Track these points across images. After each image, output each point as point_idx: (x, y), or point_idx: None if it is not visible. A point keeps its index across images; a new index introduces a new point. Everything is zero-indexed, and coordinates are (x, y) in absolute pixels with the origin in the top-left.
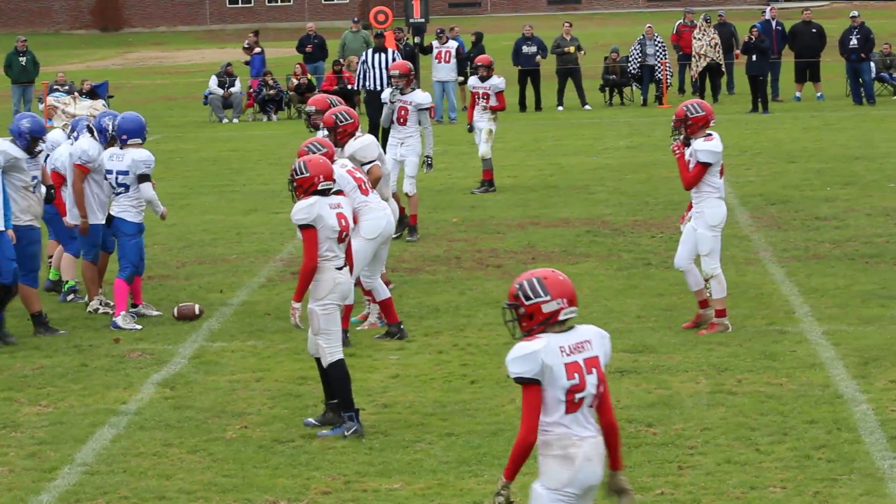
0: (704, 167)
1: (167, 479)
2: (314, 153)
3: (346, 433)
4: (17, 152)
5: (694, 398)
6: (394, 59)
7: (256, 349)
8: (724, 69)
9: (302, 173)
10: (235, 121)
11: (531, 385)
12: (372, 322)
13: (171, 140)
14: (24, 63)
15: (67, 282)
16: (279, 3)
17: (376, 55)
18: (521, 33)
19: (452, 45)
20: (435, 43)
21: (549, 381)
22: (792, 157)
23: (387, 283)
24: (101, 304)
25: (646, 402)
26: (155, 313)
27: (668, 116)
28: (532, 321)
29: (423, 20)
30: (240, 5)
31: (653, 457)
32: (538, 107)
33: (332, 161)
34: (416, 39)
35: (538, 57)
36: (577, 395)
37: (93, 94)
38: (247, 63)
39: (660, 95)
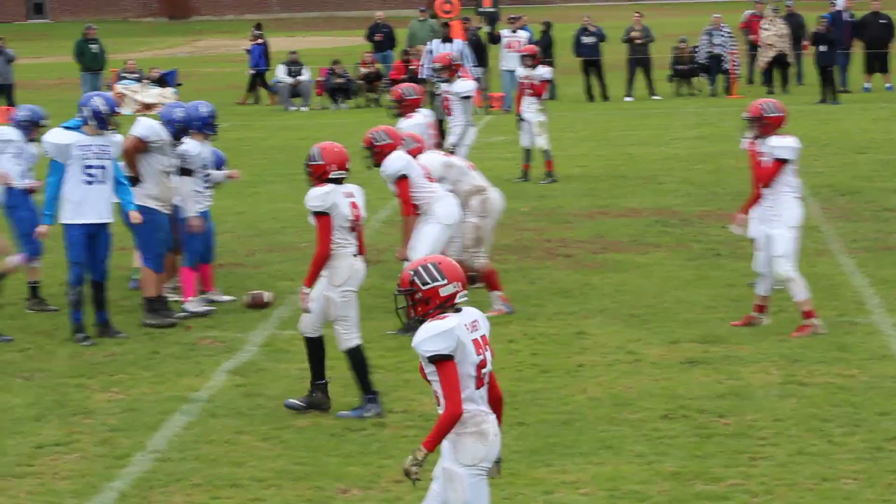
0: (781, 164)
1: (239, 466)
2: (378, 142)
3: (365, 414)
4: (167, 135)
5: (765, 389)
6: (459, 50)
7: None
8: (792, 60)
9: (315, 160)
10: (304, 109)
11: (446, 361)
12: (498, 308)
13: (239, 128)
14: (94, 51)
15: (136, 269)
16: None
17: (444, 44)
18: (581, 23)
19: (522, 34)
20: (505, 32)
21: (461, 357)
22: (861, 148)
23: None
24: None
25: (717, 393)
26: (226, 298)
27: (737, 107)
28: (428, 305)
29: (493, 9)
30: None
31: (724, 448)
32: (605, 97)
33: (420, 152)
34: (488, 28)
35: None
36: (483, 371)
37: (161, 81)
38: (247, 51)
39: (728, 86)
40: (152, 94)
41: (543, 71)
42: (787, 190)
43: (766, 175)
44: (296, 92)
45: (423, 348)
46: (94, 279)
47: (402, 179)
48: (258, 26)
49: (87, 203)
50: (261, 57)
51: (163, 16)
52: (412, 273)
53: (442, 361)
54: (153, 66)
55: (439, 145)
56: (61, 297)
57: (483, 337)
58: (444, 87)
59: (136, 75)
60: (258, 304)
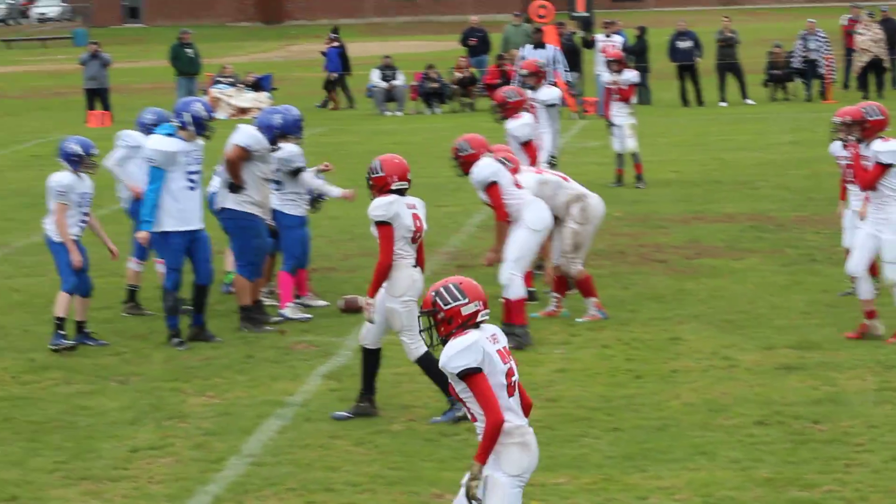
0: (884, 168)
1: (334, 470)
2: (462, 152)
3: (458, 414)
4: (266, 143)
5: (861, 395)
6: (551, 55)
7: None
8: (888, 64)
9: (377, 173)
10: (399, 114)
11: (476, 374)
12: (592, 314)
13: (334, 133)
14: (189, 55)
15: (229, 273)
16: None
17: (536, 50)
18: (675, 28)
19: (617, 39)
20: (599, 37)
21: (490, 369)
22: None
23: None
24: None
25: (812, 399)
26: (321, 303)
27: (832, 112)
28: (451, 325)
29: (587, 14)
30: None
31: (820, 454)
32: (700, 102)
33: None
34: (580, 33)
35: (696, 58)
36: (512, 379)
37: (256, 86)
38: (323, 54)
39: (823, 91)
40: (247, 98)
41: (630, 75)
42: (892, 194)
43: (868, 179)
44: (390, 96)
45: (451, 366)
46: (198, 282)
47: (493, 186)
48: (335, 30)
49: (188, 209)
50: (338, 60)
51: (257, 20)
52: (434, 294)
53: (472, 375)
54: (248, 71)
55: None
56: (157, 301)
57: (505, 348)
58: (529, 94)
59: (230, 80)
60: (353, 309)
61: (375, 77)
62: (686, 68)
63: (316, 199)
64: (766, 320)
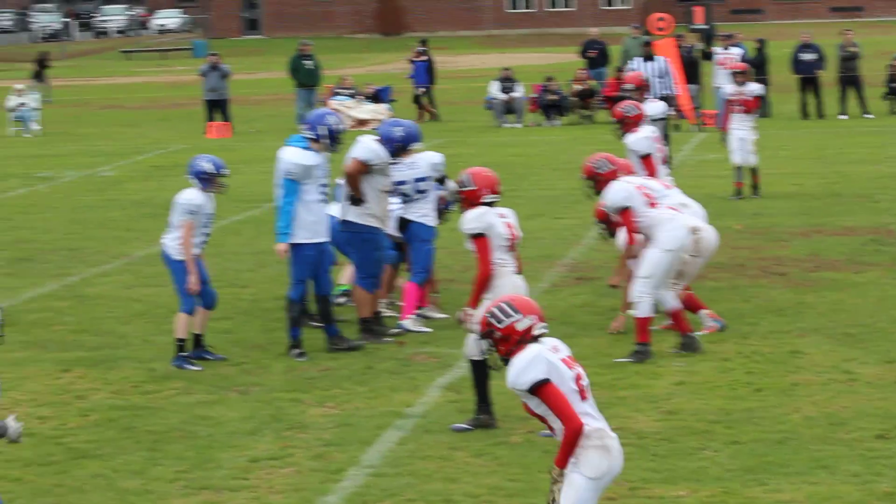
0: None
1: (453, 482)
2: (601, 170)
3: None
4: (387, 155)
5: None
6: (665, 67)
7: None
8: None
9: (468, 186)
10: (517, 126)
11: (545, 385)
12: (710, 326)
13: (453, 145)
14: (308, 67)
15: (340, 285)
16: (560, 9)
17: (647, 63)
18: (799, 40)
19: (735, 51)
20: (717, 49)
21: (558, 377)
22: None
23: None
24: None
25: None
26: (440, 316)
27: None
28: (509, 343)
29: (706, 26)
30: (521, 10)
31: None
32: (820, 114)
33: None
34: (699, 46)
35: (818, 70)
36: (582, 383)
37: (376, 97)
38: (411, 62)
39: None
40: (366, 110)
41: (755, 87)
42: None
43: None
44: (509, 108)
45: (520, 383)
46: (320, 293)
47: (626, 211)
48: (423, 42)
49: (320, 222)
50: (425, 73)
51: (376, 32)
52: (488, 315)
53: (542, 387)
54: (367, 83)
55: (667, 160)
56: (277, 311)
57: (569, 356)
58: None
59: (350, 91)
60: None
61: (494, 89)
62: (809, 80)
63: (442, 211)
64: (887, 334)
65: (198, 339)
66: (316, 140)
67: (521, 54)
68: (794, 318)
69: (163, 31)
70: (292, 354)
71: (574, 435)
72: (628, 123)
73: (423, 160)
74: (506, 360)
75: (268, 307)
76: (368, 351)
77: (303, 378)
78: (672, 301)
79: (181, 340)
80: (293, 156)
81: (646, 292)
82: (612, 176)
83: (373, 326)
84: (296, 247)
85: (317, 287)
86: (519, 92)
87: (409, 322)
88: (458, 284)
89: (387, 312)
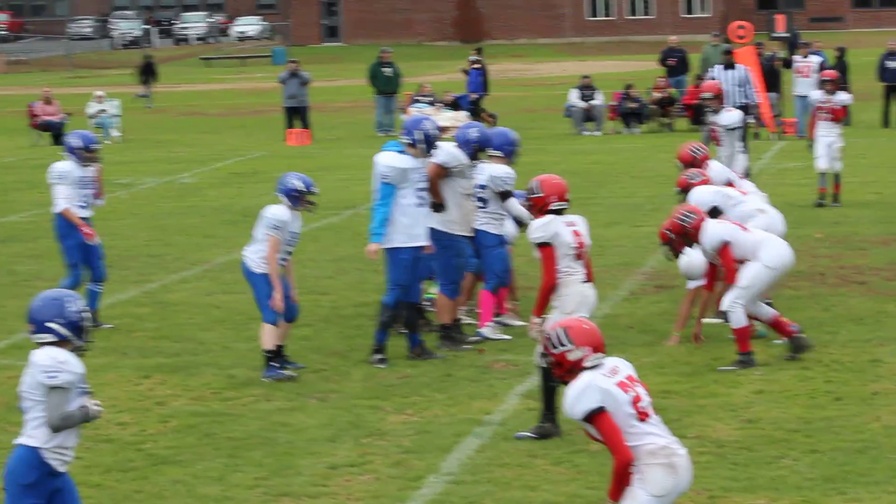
0: None
1: (532, 490)
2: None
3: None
4: (465, 158)
5: None
6: (745, 76)
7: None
8: None
9: (536, 193)
10: (597, 133)
11: (600, 414)
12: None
13: (532, 152)
14: (388, 74)
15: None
16: (640, 16)
17: (727, 71)
18: (886, 48)
19: (814, 59)
20: (796, 57)
21: (613, 404)
22: None
23: None
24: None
25: None
26: (518, 323)
27: None
28: (561, 369)
29: (787, 34)
30: (600, 18)
31: None
32: None
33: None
34: (780, 54)
35: None
36: (640, 405)
37: (455, 105)
38: (465, 72)
39: None
40: (446, 117)
41: (844, 97)
42: None
43: None
44: (588, 116)
45: (573, 413)
46: (409, 301)
47: (724, 247)
48: (478, 51)
49: (417, 225)
50: (479, 81)
51: (456, 39)
52: (546, 338)
53: (595, 416)
54: (446, 90)
55: (747, 171)
56: (356, 318)
57: (628, 377)
58: (710, 117)
59: (429, 98)
60: None
61: (574, 97)
62: (894, 89)
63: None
64: None
65: (278, 350)
66: (412, 145)
67: (600, 62)
68: (874, 327)
69: (242, 39)
70: (373, 360)
71: (622, 466)
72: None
73: (487, 170)
74: (561, 383)
75: (347, 314)
76: (448, 358)
77: (382, 385)
78: (769, 312)
79: (269, 352)
80: (389, 160)
81: (738, 303)
82: (699, 226)
83: (452, 333)
84: (392, 251)
85: (405, 294)
86: (598, 100)
87: (487, 330)
88: (536, 292)
89: (466, 320)
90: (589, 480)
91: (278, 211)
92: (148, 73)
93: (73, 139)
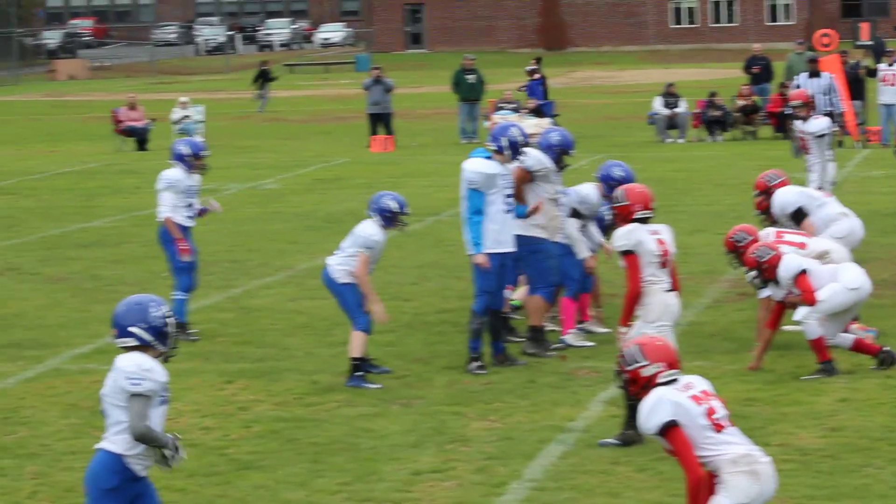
0: None
1: (615, 497)
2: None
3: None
4: (550, 163)
5: None
6: (830, 84)
7: (703, 369)
8: None
9: (621, 201)
10: (680, 141)
11: (672, 428)
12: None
13: (615, 159)
14: (471, 81)
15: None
16: (724, 24)
17: (812, 79)
18: None
19: None
20: (881, 66)
21: (686, 417)
22: None
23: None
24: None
25: None
26: (601, 330)
27: None
28: (636, 385)
29: (872, 42)
30: (684, 26)
31: None
32: None
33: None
34: (864, 62)
35: None
36: (715, 417)
37: (538, 112)
38: (524, 87)
39: None
40: (529, 124)
41: None
42: None
43: None
44: (672, 123)
45: (647, 428)
46: (492, 307)
47: (801, 275)
48: (537, 60)
49: (504, 231)
50: (540, 90)
51: (540, 46)
52: (620, 355)
53: (668, 430)
54: (529, 97)
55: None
56: (439, 324)
57: (703, 391)
58: (798, 125)
59: (513, 106)
60: None
61: (657, 104)
62: None
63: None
64: None
65: (364, 357)
66: (499, 151)
67: (684, 69)
68: None
69: (326, 45)
70: (471, 368)
71: (693, 483)
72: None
73: (579, 192)
74: (635, 400)
75: (430, 320)
76: (531, 365)
77: (465, 391)
78: (848, 339)
79: (356, 359)
80: (476, 165)
81: (813, 315)
82: (776, 260)
83: (539, 337)
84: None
85: (491, 300)
86: (682, 107)
87: (570, 337)
88: (620, 299)
89: (550, 327)
90: (672, 488)
91: (374, 231)
92: (263, 77)
93: (181, 146)
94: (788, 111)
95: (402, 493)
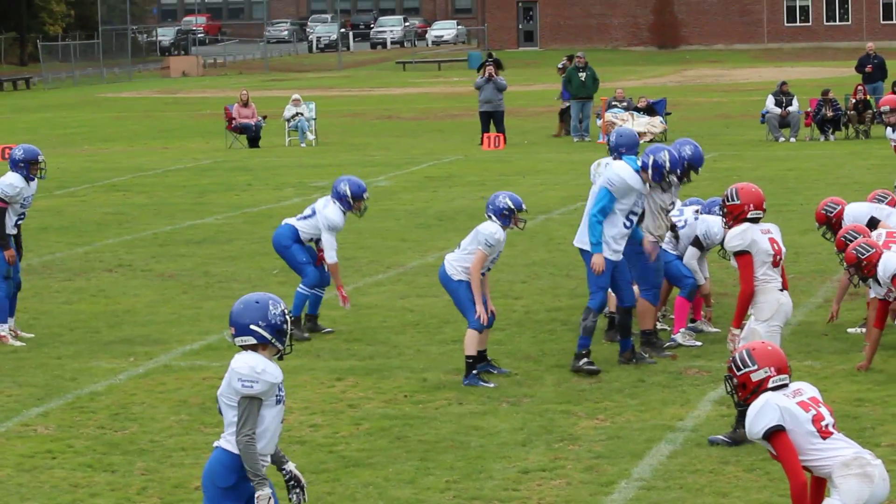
0: None
1: (723, 496)
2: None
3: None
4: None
5: None
6: None
7: (813, 369)
8: None
9: (733, 200)
10: (793, 140)
11: (778, 433)
12: None
13: (727, 158)
14: (583, 79)
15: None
16: (837, 23)
17: None
18: None
19: None
20: None
21: (793, 422)
22: None
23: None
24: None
25: None
26: (712, 330)
27: None
28: (745, 390)
29: None
30: (798, 24)
31: None
32: None
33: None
34: None
35: None
36: (823, 423)
37: (650, 110)
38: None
39: None
40: (641, 122)
41: None
42: None
43: None
44: (784, 122)
45: (753, 433)
46: (624, 305)
47: None
48: (570, 58)
49: (618, 243)
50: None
51: (652, 45)
52: (730, 360)
53: (774, 435)
54: (642, 95)
55: None
56: (549, 322)
57: (812, 398)
58: (888, 133)
59: (624, 104)
60: None
61: (770, 103)
62: None
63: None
64: None
65: (482, 355)
66: (645, 169)
67: (797, 68)
68: None
69: (438, 43)
70: (580, 364)
71: (797, 489)
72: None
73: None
74: (744, 405)
75: (540, 318)
76: (640, 364)
77: (574, 390)
78: None
79: (471, 357)
80: (622, 170)
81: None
82: (876, 258)
83: (653, 339)
84: (590, 255)
85: (620, 300)
86: (795, 106)
87: (680, 336)
88: (730, 298)
89: (660, 326)
90: (781, 488)
91: (495, 230)
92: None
93: (344, 185)
94: (878, 118)
95: (510, 492)
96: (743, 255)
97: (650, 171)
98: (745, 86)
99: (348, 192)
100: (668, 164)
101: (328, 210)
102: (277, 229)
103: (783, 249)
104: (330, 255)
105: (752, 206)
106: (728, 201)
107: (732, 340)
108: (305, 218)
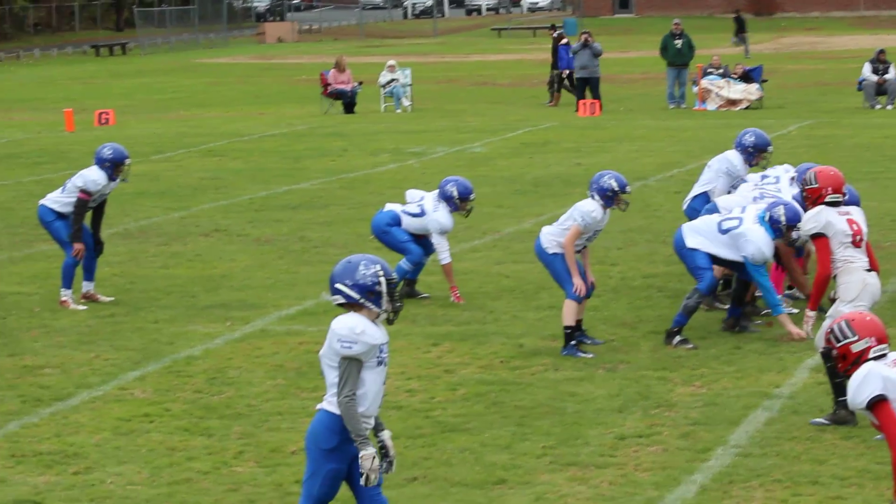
0: None
1: (820, 463)
2: None
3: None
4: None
5: None
6: None
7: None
8: None
9: (811, 184)
10: (889, 107)
11: (881, 403)
12: None
13: (824, 126)
14: (679, 46)
15: None
16: None
17: None
18: None
19: None
20: None
21: (895, 392)
22: None
23: None
24: None
25: None
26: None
27: None
28: (846, 362)
29: None
30: None
31: None
32: None
33: None
34: None
35: None
36: None
37: (746, 77)
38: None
39: None
40: (737, 90)
41: None
42: None
43: None
44: (881, 90)
45: (856, 403)
46: (744, 278)
47: None
48: (553, 27)
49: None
50: (569, 58)
51: (748, 11)
52: (828, 332)
53: (877, 405)
54: (738, 62)
55: None
56: (645, 289)
57: None
58: None
59: (721, 71)
60: None
61: (867, 71)
62: None
63: None
64: None
65: (578, 324)
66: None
67: (893, 35)
68: None
69: (533, 9)
70: (675, 341)
71: None
72: None
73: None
74: (845, 377)
75: (636, 285)
76: (736, 332)
77: (671, 356)
78: None
79: (569, 328)
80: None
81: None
82: None
83: (747, 308)
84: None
85: (740, 273)
86: (891, 74)
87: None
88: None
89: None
90: (878, 455)
91: (593, 208)
92: (739, 25)
93: (452, 187)
94: None
95: (606, 458)
96: (819, 238)
97: (752, 155)
98: (841, 53)
99: (455, 194)
100: (755, 142)
101: (439, 214)
102: (378, 214)
103: (864, 230)
104: (444, 257)
105: (830, 189)
106: (806, 185)
107: (807, 322)
108: (413, 216)
